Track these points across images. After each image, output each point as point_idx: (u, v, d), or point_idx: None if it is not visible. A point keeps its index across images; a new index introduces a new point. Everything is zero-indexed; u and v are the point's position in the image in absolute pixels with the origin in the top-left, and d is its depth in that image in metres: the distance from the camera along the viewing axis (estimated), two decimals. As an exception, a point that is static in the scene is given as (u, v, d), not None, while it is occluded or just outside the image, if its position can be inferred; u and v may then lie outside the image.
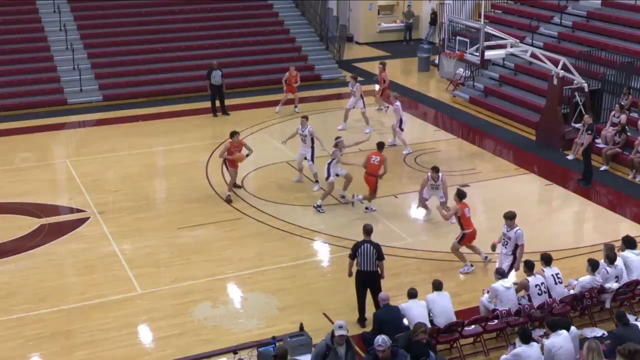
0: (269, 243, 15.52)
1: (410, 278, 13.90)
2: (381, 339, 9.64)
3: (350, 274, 12.67)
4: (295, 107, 24.04)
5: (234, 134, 17.57)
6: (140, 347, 12.13)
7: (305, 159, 18.11)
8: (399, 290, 12.76)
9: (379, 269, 12.39)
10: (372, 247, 12.30)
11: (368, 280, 12.40)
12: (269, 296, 13.49)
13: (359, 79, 23.39)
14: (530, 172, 19.59)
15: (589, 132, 18.44)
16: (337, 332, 9.87)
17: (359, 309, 12.54)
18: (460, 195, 14.28)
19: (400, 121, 20.76)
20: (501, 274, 12.09)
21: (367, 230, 12.58)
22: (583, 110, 21.08)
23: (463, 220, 14.12)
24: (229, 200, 17.22)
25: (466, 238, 14.19)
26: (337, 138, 17.33)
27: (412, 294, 11.53)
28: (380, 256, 12.33)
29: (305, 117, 18.37)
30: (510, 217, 13.16)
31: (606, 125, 20.35)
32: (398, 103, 20.88)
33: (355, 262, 12.45)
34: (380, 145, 16.90)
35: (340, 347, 9.90)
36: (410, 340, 10.24)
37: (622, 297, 12.80)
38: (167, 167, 20.06)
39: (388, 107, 23.32)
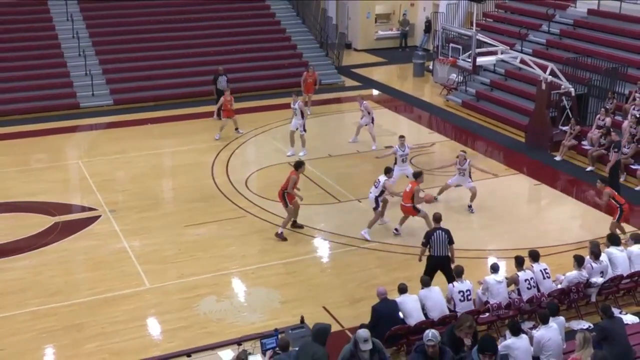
0: (272, 240, 15.46)
1: (407, 273, 13.82)
2: (431, 333, 9.11)
3: (420, 260, 13.03)
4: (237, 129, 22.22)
5: (300, 165, 15.37)
6: (148, 339, 12.10)
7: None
8: (396, 285, 12.68)
9: (449, 253, 12.78)
10: (444, 233, 12.80)
11: (440, 265, 12.70)
12: (272, 291, 13.46)
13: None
14: (520, 172, 19.56)
15: (616, 149, 18.03)
16: (363, 347, 9.20)
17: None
18: (416, 175, 15.19)
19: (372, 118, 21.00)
20: (494, 269, 12.06)
21: (437, 218, 13.08)
22: (570, 114, 21.06)
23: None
24: (283, 239, 15.34)
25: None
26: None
27: (403, 289, 11.49)
28: (451, 240, 12.78)
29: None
30: None
31: (592, 128, 20.32)
32: (365, 102, 21.07)
33: (428, 249, 12.89)
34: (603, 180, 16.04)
35: (364, 353, 9.31)
36: (453, 334, 9.88)
37: (607, 292, 12.78)
38: (174, 168, 20.03)
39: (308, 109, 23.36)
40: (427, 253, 13.00)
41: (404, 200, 15.30)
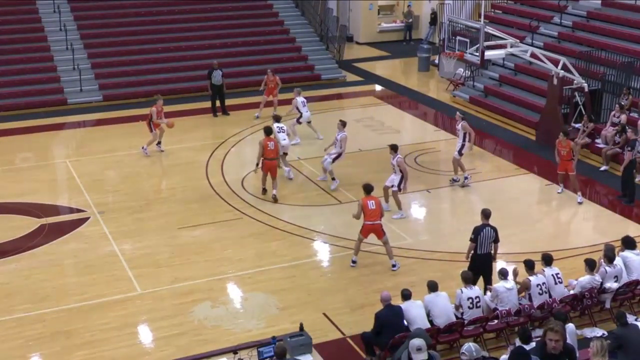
0: (269, 243, 15.53)
1: (410, 278, 13.92)
2: (466, 346, 9.01)
3: (467, 257, 13.10)
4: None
5: (271, 129, 17.78)
6: (140, 347, 12.14)
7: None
8: (399, 290, 12.73)
9: (492, 251, 13.04)
10: (492, 230, 12.99)
11: (484, 263, 12.82)
12: (269, 296, 13.50)
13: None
14: (530, 172, 19.60)
15: (629, 148, 18.01)
16: (416, 357, 9.02)
17: (485, 288, 12.58)
18: (366, 188, 14.49)
19: (300, 115, 21.08)
20: (503, 275, 12.08)
21: (487, 215, 13.20)
22: (583, 110, 21.10)
23: (365, 213, 14.22)
24: (275, 200, 17.27)
25: (364, 229, 14.30)
26: None
27: (406, 295, 11.51)
28: (497, 238, 13.02)
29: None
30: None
31: (606, 125, 20.36)
32: (298, 98, 21.11)
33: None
34: None
35: None
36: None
37: (622, 297, 12.81)
38: (167, 167, 20.07)
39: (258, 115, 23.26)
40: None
41: (372, 218, 14.36)
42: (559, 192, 17.93)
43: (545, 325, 9.42)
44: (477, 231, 12.97)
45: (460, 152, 18.41)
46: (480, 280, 12.83)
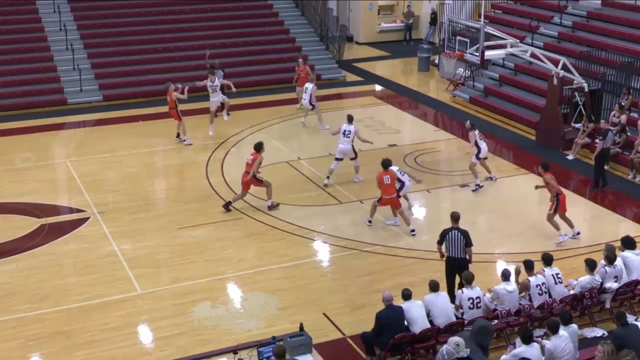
0: (269, 243, 15.52)
1: (410, 278, 13.91)
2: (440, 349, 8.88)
3: (442, 256, 13.10)
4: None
5: (261, 146, 16.80)
6: (140, 347, 12.14)
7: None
8: (399, 290, 12.72)
9: (467, 255, 12.81)
10: (459, 233, 12.78)
11: (457, 266, 12.71)
12: (269, 296, 13.50)
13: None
14: (530, 172, 19.59)
15: (601, 137, 18.14)
16: (459, 354, 8.96)
17: (448, 293, 12.47)
18: (383, 163, 15.57)
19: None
20: (505, 276, 12.05)
21: (455, 218, 13.07)
22: (583, 110, 21.10)
23: (381, 187, 15.49)
24: (277, 204, 16.96)
25: (381, 200, 15.64)
26: None
27: (407, 295, 11.50)
28: (468, 242, 12.78)
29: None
30: None
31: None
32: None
33: (444, 247, 13.00)
34: None
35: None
36: None
37: (622, 297, 12.81)
38: (167, 167, 20.07)
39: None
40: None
41: (387, 192, 15.59)
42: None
43: (625, 354, 9.20)
44: (442, 234, 12.94)
45: (477, 157, 18.14)
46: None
